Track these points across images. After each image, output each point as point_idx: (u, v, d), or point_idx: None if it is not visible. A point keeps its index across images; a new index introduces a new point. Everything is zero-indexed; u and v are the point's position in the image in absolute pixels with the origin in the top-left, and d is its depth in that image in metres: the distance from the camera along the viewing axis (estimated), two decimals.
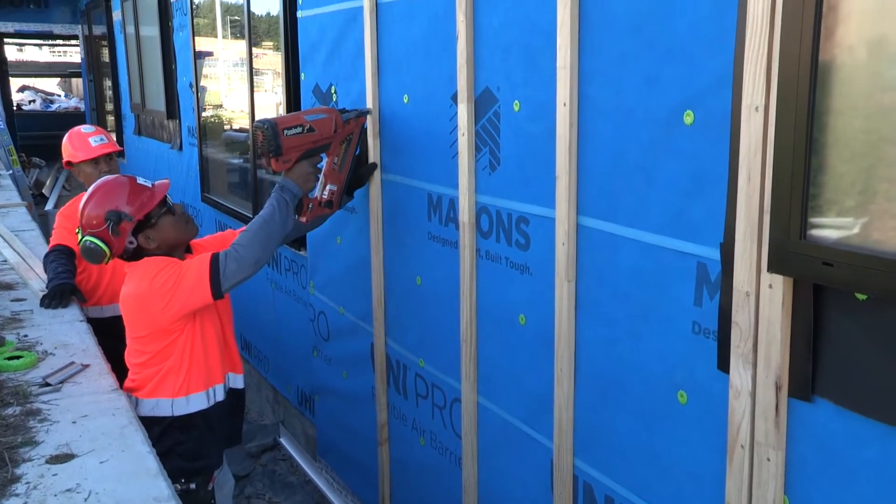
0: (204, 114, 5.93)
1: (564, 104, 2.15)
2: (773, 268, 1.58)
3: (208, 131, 5.96)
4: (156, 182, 2.75)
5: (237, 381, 2.89)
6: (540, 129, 2.28)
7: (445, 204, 2.78)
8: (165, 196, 2.71)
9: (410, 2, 2.82)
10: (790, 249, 1.53)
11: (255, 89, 4.83)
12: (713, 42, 1.74)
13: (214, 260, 2.53)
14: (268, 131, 2.69)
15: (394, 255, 3.16)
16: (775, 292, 1.62)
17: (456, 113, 2.62)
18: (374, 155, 3.14)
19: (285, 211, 2.68)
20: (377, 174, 3.15)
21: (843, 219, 1.47)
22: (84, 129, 3.79)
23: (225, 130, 5.82)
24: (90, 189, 2.74)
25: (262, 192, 4.77)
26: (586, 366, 2.23)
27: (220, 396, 2.77)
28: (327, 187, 2.99)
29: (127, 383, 2.69)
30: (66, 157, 3.72)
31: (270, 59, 4.82)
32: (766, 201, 1.60)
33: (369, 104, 3.11)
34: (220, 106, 5.93)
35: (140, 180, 2.72)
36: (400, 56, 2.93)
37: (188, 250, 2.83)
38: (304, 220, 2.94)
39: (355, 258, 3.43)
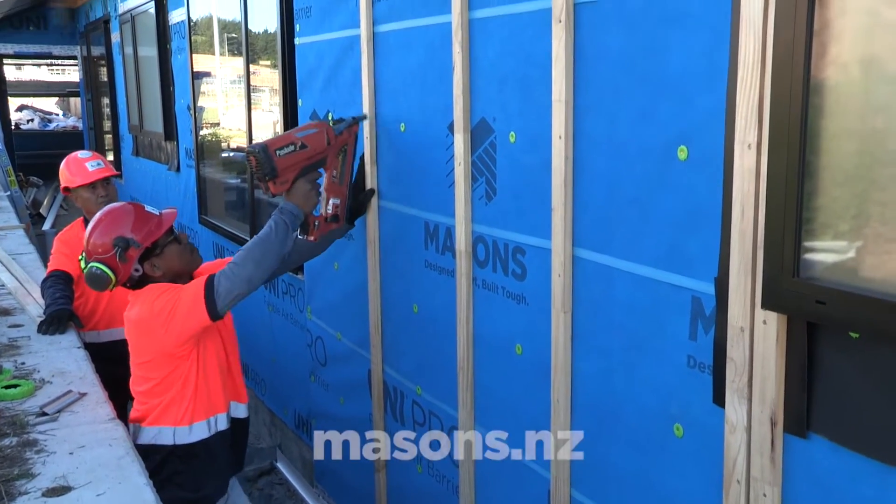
0: (201, 133, 5.95)
1: (560, 137, 2.16)
2: (766, 304, 1.60)
3: (206, 152, 5.97)
4: (163, 210, 2.76)
5: (240, 411, 2.86)
6: (536, 160, 2.29)
7: (442, 232, 2.79)
8: (172, 225, 2.72)
9: (407, 31, 2.85)
10: (783, 287, 1.54)
11: (252, 107, 4.85)
12: (706, 79, 1.76)
13: (209, 281, 2.53)
14: (260, 154, 2.65)
15: (391, 282, 3.16)
16: (769, 328, 1.63)
17: (452, 142, 2.64)
18: (370, 182, 3.16)
19: (283, 232, 2.66)
20: (374, 201, 3.16)
21: (838, 243, 1.48)
22: (81, 154, 3.81)
23: (223, 150, 5.84)
24: (97, 216, 2.73)
25: (260, 213, 4.78)
26: (582, 396, 2.24)
27: (223, 426, 2.75)
28: (330, 201, 2.98)
29: (133, 413, 2.69)
30: (63, 182, 3.73)
31: (267, 77, 4.82)
32: (760, 237, 1.61)
33: (366, 132, 3.12)
34: (218, 124, 5.95)
35: (147, 208, 2.73)
36: (397, 85, 2.95)
37: (191, 279, 2.83)
38: (312, 238, 2.93)
39: (353, 284, 3.44)
